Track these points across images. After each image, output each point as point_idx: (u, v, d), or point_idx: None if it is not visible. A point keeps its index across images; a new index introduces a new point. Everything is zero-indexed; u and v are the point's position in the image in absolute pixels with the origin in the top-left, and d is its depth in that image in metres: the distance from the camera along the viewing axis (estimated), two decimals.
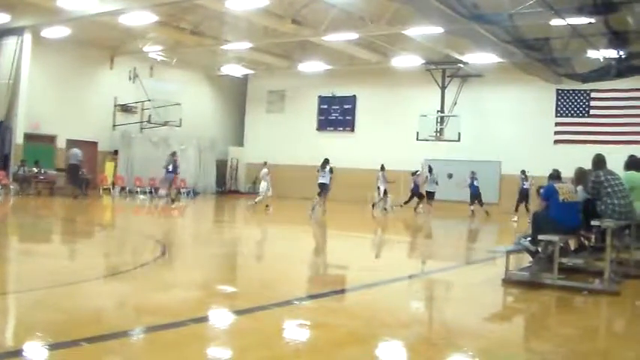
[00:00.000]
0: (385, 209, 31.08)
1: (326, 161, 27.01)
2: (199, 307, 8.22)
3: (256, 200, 28.54)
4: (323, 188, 26.59)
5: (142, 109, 37.82)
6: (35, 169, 30.66)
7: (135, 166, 36.39)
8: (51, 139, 33.67)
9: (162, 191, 29.15)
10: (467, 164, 32.42)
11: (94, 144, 35.26)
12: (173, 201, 29.29)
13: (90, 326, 6.83)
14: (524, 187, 29.07)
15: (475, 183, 31.10)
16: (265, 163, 30.61)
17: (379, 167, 31.51)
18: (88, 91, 35.35)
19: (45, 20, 28.94)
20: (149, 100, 36.98)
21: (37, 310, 7.47)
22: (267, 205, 28.32)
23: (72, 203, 27.79)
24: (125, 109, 37.34)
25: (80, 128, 34.50)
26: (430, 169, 31.27)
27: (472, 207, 31.06)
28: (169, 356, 5.97)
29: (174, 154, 29.65)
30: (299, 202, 32.90)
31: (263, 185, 29.07)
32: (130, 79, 37.61)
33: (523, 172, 29.52)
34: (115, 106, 36.98)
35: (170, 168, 29.09)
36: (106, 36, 33.23)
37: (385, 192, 31.24)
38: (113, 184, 34.58)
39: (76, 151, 31.01)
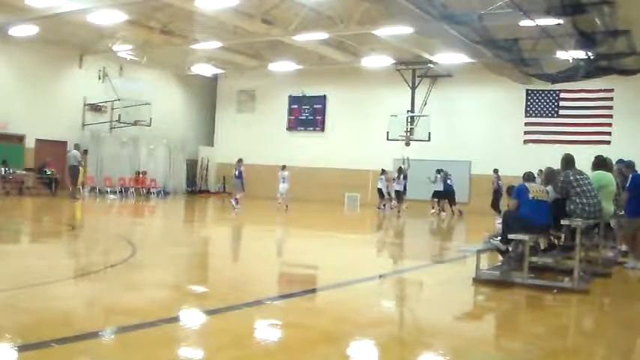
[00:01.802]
0: (380, 208, 31.81)
1: (400, 169, 30.15)
2: (170, 307, 8.18)
3: (280, 202, 30.43)
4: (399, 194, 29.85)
5: (112, 109, 37.54)
6: (3, 169, 30.36)
7: (104, 166, 36.19)
8: (19, 138, 33.35)
9: (233, 199, 29.38)
10: (437, 164, 32.47)
11: (63, 143, 34.93)
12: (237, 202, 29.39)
13: (60, 327, 6.78)
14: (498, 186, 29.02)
15: (448, 182, 31.14)
16: (284, 166, 31.34)
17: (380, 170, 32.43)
18: (57, 90, 35.05)
19: (13, 18, 28.61)
20: (119, 100, 36.70)
21: (6, 312, 7.39)
22: (280, 204, 30.25)
23: (42, 203, 27.64)
24: (94, 108, 37.07)
25: (49, 128, 34.22)
26: (439, 171, 31.42)
27: (439, 207, 31.35)
28: (140, 357, 5.93)
29: (240, 161, 29.87)
30: (270, 202, 32.86)
31: (283, 187, 30.46)
32: (99, 78, 37.34)
33: (496, 170, 29.58)
34: (85, 105, 36.70)
35: (237, 174, 29.37)
36: (74, 35, 32.98)
37: (382, 193, 32.08)
38: (83, 184, 34.34)
39: (75, 152, 30.96)
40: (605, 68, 24.52)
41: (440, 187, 31.08)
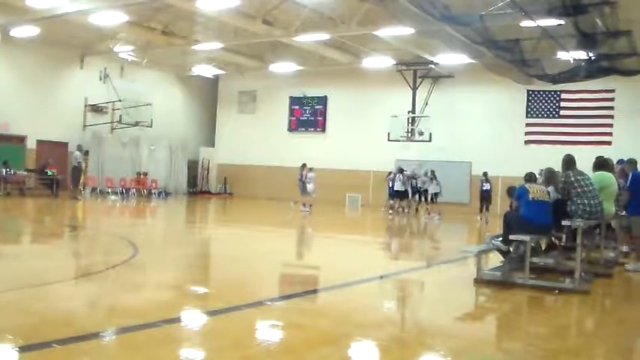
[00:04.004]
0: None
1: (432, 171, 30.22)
2: (172, 307, 8.18)
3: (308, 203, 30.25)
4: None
5: (113, 110, 37.58)
6: (4, 170, 30.35)
7: (105, 167, 36.21)
8: (21, 139, 33.35)
9: (301, 204, 29.56)
10: (438, 165, 32.48)
11: (65, 144, 34.98)
12: (304, 205, 29.72)
13: (61, 328, 6.78)
14: (484, 188, 29.13)
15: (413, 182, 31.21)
16: (311, 169, 31.06)
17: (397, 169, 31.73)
18: (58, 91, 35.08)
19: (14, 19, 28.62)
20: (120, 101, 36.72)
21: (8, 312, 7.39)
22: (296, 202, 30.27)
23: (43, 204, 27.67)
24: (96, 109, 37.09)
25: (50, 129, 34.24)
26: (401, 170, 31.42)
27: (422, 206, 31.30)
28: (141, 357, 5.94)
29: (304, 166, 30.06)
30: (272, 202, 32.85)
31: (310, 187, 30.30)
32: (100, 79, 37.36)
33: (485, 173, 29.54)
34: (86, 106, 36.71)
35: (300, 177, 29.61)
36: (76, 36, 32.98)
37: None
38: (84, 184, 34.33)
39: (76, 153, 31.00)
40: (606, 69, 24.50)
41: (400, 187, 31.09)
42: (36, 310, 7.54)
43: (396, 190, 31.07)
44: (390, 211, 31.28)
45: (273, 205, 33.91)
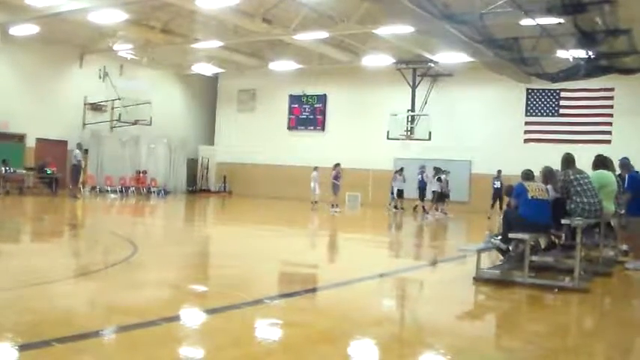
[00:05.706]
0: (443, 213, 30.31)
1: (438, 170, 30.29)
2: (171, 306, 8.18)
3: (314, 202, 30.80)
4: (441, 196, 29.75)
5: (112, 108, 37.50)
6: (4, 169, 30.33)
7: (105, 165, 36.20)
8: (20, 137, 33.32)
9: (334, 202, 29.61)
10: (437, 163, 32.43)
11: (64, 143, 34.94)
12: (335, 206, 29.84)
13: (61, 326, 6.78)
14: (496, 186, 29.36)
15: (422, 177, 30.96)
16: (316, 168, 31.65)
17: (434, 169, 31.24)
18: (58, 89, 35.02)
19: (13, 18, 28.57)
20: (119, 99, 36.62)
21: (8, 311, 7.39)
22: (315, 202, 30.56)
23: (43, 202, 27.67)
24: (95, 107, 37.03)
25: (50, 127, 34.19)
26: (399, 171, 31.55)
27: (421, 203, 30.98)
28: (141, 356, 5.94)
29: (337, 165, 30.03)
30: (271, 201, 32.83)
31: (315, 187, 30.74)
32: (99, 77, 37.29)
33: (499, 172, 29.74)
34: (85, 104, 36.64)
35: (332, 176, 29.87)
36: (75, 34, 32.93)
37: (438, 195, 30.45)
38: (83, 183, 34.28)
39: (76, 151, 30.98)
40: (605, 67, 24.51)
41: (402, 187, 31.35)
42: (36, 309, 7.54)
43: (433, 191, 30.38)
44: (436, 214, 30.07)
45: (273, 203, 33.88)
